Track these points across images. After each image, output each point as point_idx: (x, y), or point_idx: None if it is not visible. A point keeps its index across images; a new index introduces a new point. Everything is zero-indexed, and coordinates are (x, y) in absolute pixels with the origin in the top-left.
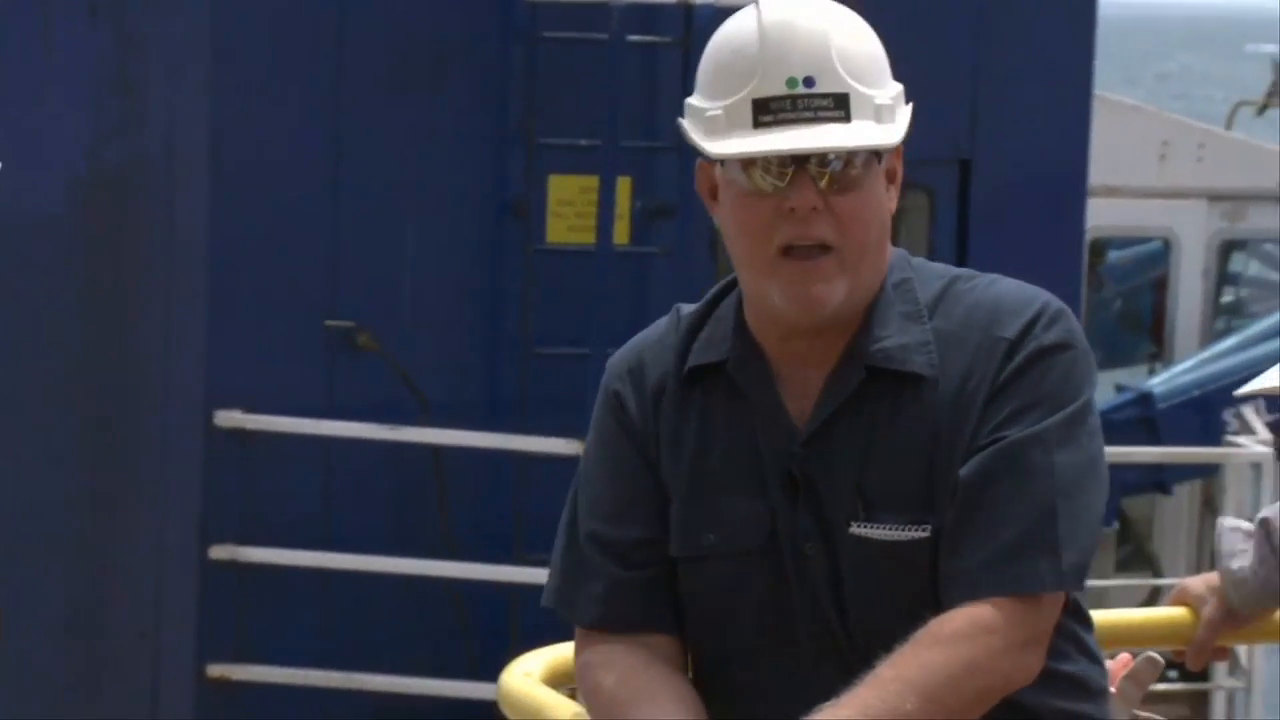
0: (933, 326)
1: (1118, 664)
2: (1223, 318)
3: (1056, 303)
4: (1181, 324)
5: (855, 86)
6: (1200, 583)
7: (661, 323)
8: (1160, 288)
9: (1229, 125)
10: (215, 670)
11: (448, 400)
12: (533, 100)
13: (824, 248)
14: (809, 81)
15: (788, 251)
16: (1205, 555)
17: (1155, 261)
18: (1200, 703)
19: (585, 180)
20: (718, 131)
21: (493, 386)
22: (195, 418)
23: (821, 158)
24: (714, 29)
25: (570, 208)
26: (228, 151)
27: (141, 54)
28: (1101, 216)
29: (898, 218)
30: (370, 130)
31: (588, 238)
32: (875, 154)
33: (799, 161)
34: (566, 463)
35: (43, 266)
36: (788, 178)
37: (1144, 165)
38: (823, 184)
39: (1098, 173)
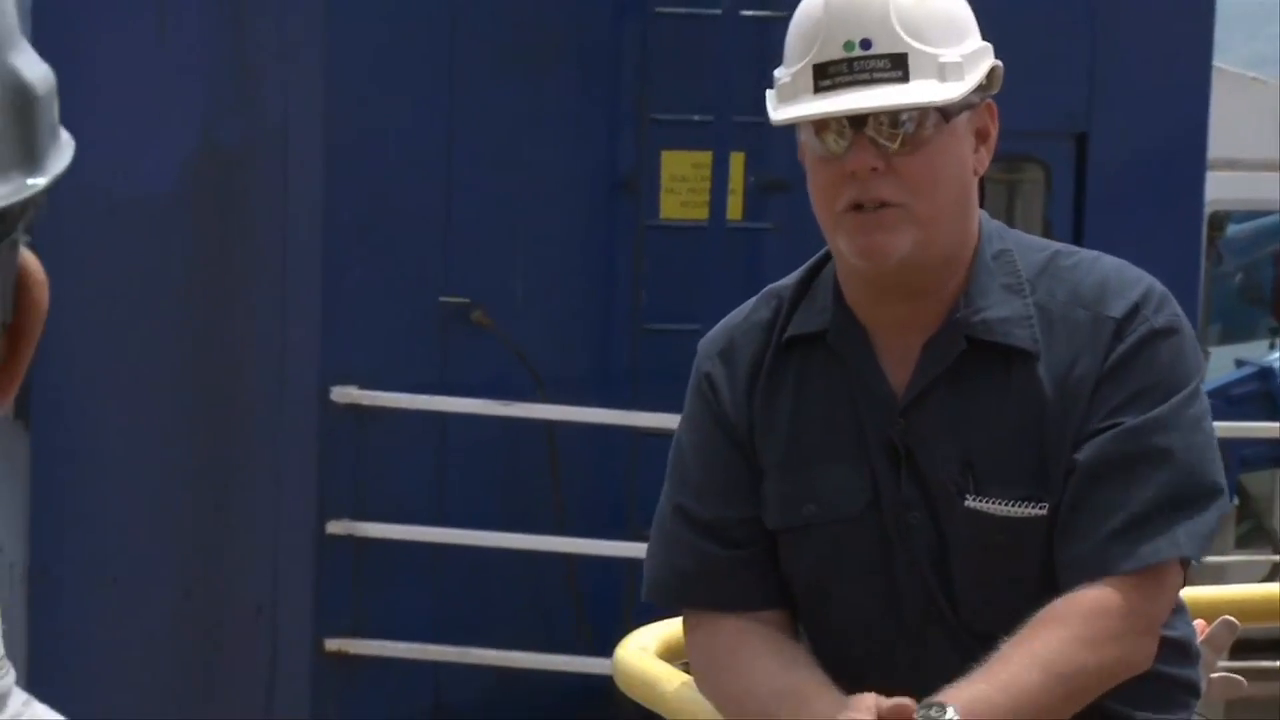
0: (1035, 301)
1: (1196, 629)
2: None
3: (1160, 285)
4: None
5: (915, 46)
6: None
7: (749, 304)
8: None
9: None
10: (332, 644)
11: (560, 376)
12: (645, 76)
13: (891, 204)
14: (866, 44)
15: (855, 207)
16: None
17: (1276, 235)
18: None
19: (698, 156)
20: (785, 98)
21: (605, 362)
22: (310, 394)
23: (886, 118)
24: None
25: (683, 183)
26: (341, 130)
27: (257, 34)
28: (1221, 190)
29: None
30: (482, 107)
31: (700, 213)
32: (943, 114)
33: (858, 123)
34: None
35: (159, 244)
36: (849, 139)
37: (1264, 137)
38: (894, 144)
39: (1217, 146)
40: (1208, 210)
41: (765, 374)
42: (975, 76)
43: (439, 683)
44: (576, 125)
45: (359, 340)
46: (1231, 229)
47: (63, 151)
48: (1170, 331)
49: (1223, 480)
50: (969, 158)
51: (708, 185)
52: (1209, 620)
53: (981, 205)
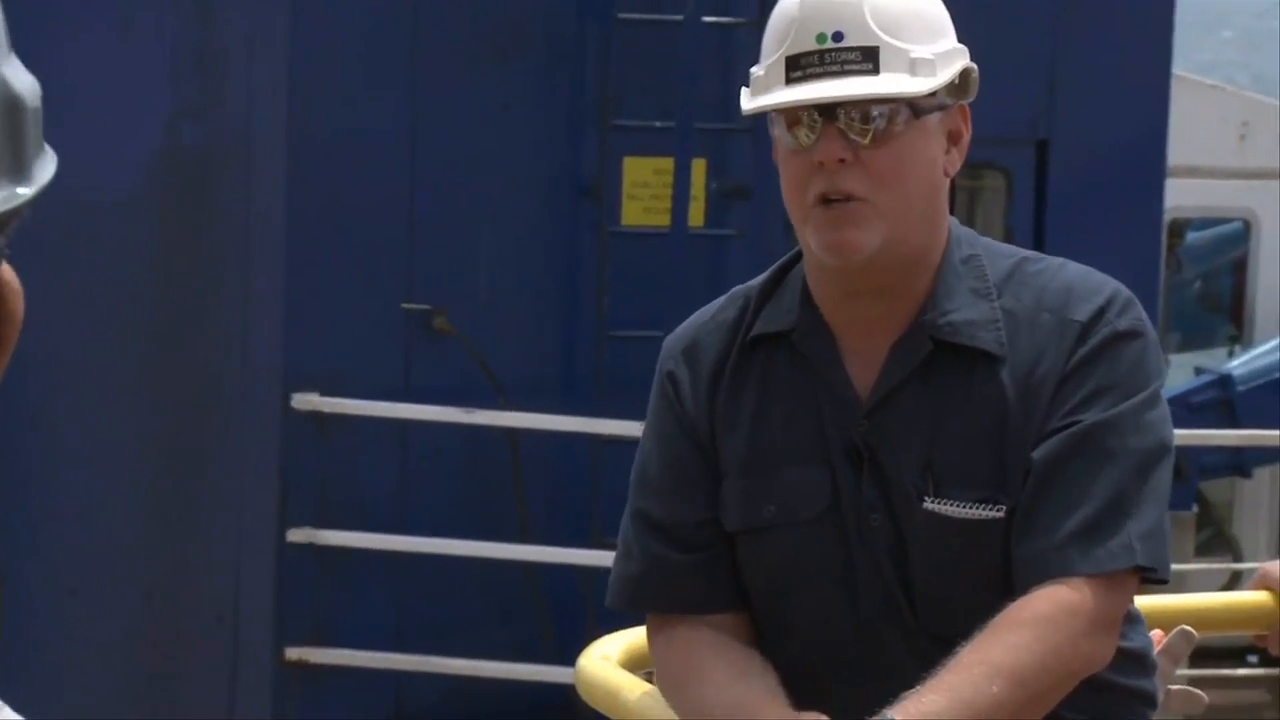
0: (1001, 305)
1: (1152, 639)
2: None
3: (1125, 290)
4: (1262, 306)
5: (887, 40)
6: None
7: (717, 302)
8: (1240, 269)
9: None
10: (293, 653)
11: (523, 383)
12: (607, 82)
13: (857, 198)
14: (838, 36)
15: (822, 202)
16: None
17: (1235, 242)
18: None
19: (660, 162)
20: (757, 90)
21: (568, 369)
22: (272, 400)
23: (857, 111)
24: None
25: (645, 190)
26: (305, 132)
27: (219, 33)
28: (1180, 197)
29: (972, 200)
30: (445, 113)
31: (663, 220)
32: (913, 109)
33: (828, 115)
34: None
35: (120, 246)
36: (818, 131)
37: (1224, 145)
38: (863, 138)
39: (1177, 153)
40: (1167, 217)
41: (729, 373)
42: (947, 74)
43: (401, 691)
44: (539, 131)
45: (321, 346)
46: (1191, 236)
47: (48, 162)
48: (1133, 335)
49: (1168, 484)
50: (939, 158)
51: (670, 192)
52: (1167, 630)
53: (951, 211)
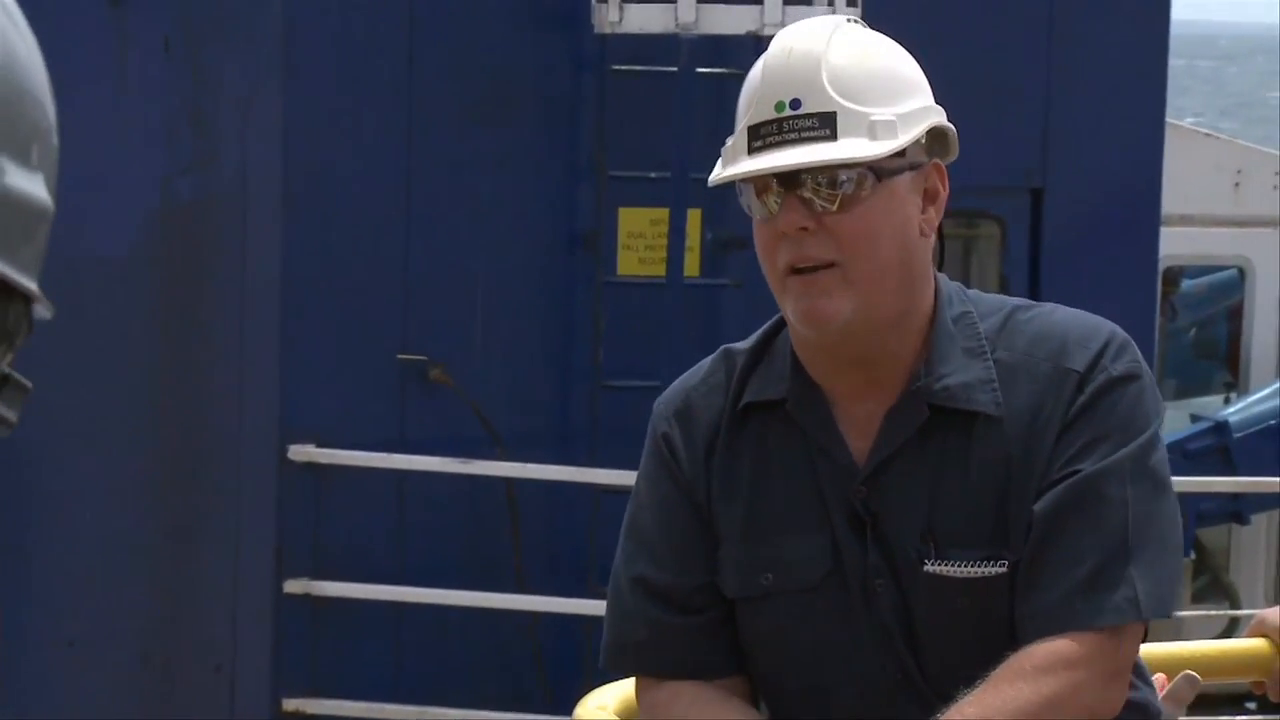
0: (996, 360)
1: (1155, 683)
2: None
3: (1120, 332)
4: (1257, 352)
5: (844, 104)
6: (1278, 613)
7: (705, 364)
8: (1235, 316)
9: None
10: (290, 704)
11: (519, 433)
12: (602, 132)
13: (828, 265)
14: (795, 103)
15: (794, 271)
16: None
17: (1230, 290)
18: None
19: (655, 212)
20: (726, 161)
21: (564, 419)
22: (269, 452)
23: (824, 177)
24: None
25: (640, 240)
26: (300, 186)
27: (214, 90)
28: (1175, 245)
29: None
30: (441, 164)
31: (658, 270)
32: (876, 173)
33: (790, 184)
34: None
35: (117, 301)
36: (781, 201)
37: (1218, 193)
38: (832, 205)
39: (1171, 201)
40: (1162, 265)
41: (723, 439)
42: (910, 135)
43: None
44: (535, 181)
45: (317, 398)
46: (1185, 284)
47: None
48: (1129, 379)
49: (1178, 530)
50: (913, 218)
51: (665, 242)
52: (1170, 675)
53: (940, 266)
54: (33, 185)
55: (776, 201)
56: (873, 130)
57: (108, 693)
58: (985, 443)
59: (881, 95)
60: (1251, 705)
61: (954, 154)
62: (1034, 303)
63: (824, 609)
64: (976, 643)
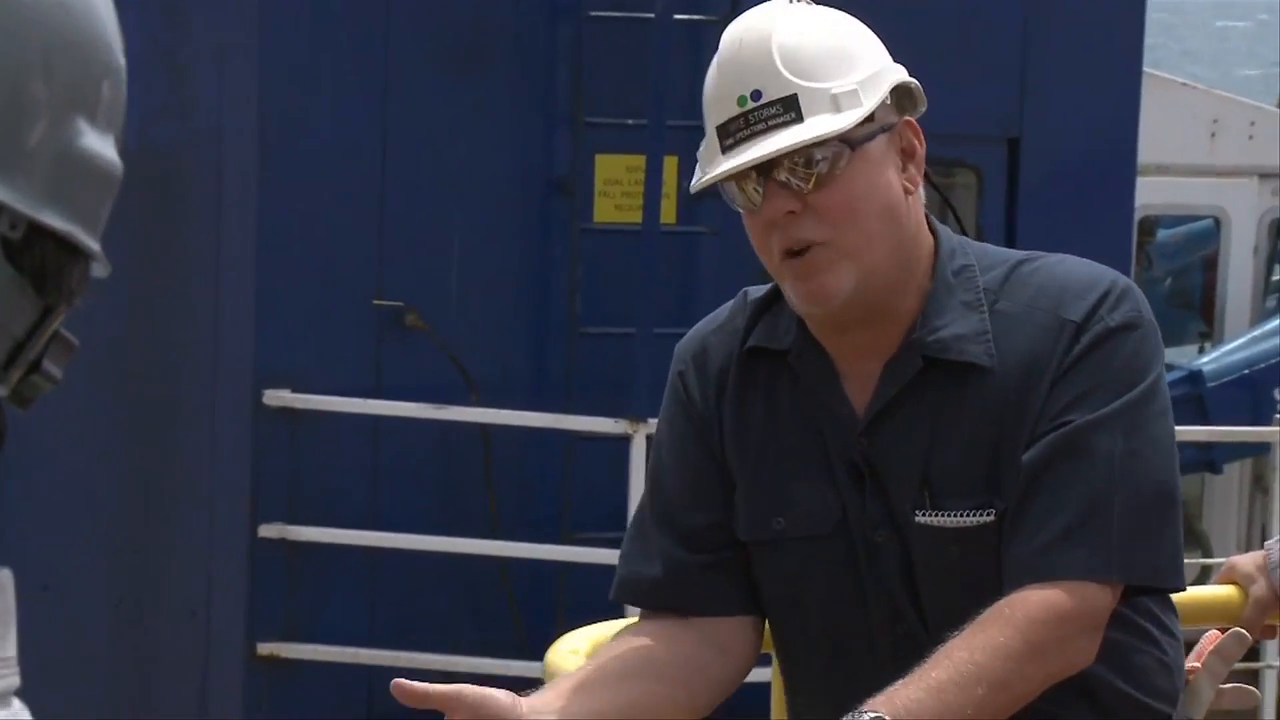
0: (996, 311)
1: (1206, 640)
2: (1273, 296)
3: (1123, 280)
4: (1232, 302)
5: (804, 84)
6: (1248, 561)
7: (727, 307)
8: (1210, 266)
9: None
10: (265, 648)
11: (494, 379)
12: (579, 80)
13: (820, 243)
14: (756, 95)
15: (790, 254)
16: (1255, 534)
17: (1205, 240)
18: (1250, 681)
19: (632, 159)
20: (702, 164)
21: (539, 366)
22: (244, 397)
23: (800, 159)
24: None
25: (617, 187)
26: (275, 132)
27: (190, 35)
28: (1151, 195)
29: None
30: (416, 110)
31: (634, 217)
32: (848, 143)
33: (767, 173)
34: (613, 442)
35: None
36: (761, 191)
37: (1194, 143)
38: (807, 184)
39: (1147, 151)
40: (1138, 215)
41: (734, 380)
42: (874, 100)
43: (373, 686)
44: (511, 128)
45: (292, 343)
46: (1161, 234)
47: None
48: (1128, 328)
49: (1174, 481)
50: (894, 179)
51: (641, 189)
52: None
53: (948, 219)
54: (105, 147)
55: (757, 191)
56: (836, 103)
57: (81, 637)
58: (979, 394)
59: (838, 67)
60: None
61: (923, 107)
62: (1039, 254)
63: (833, 558)
64: (974, 592)
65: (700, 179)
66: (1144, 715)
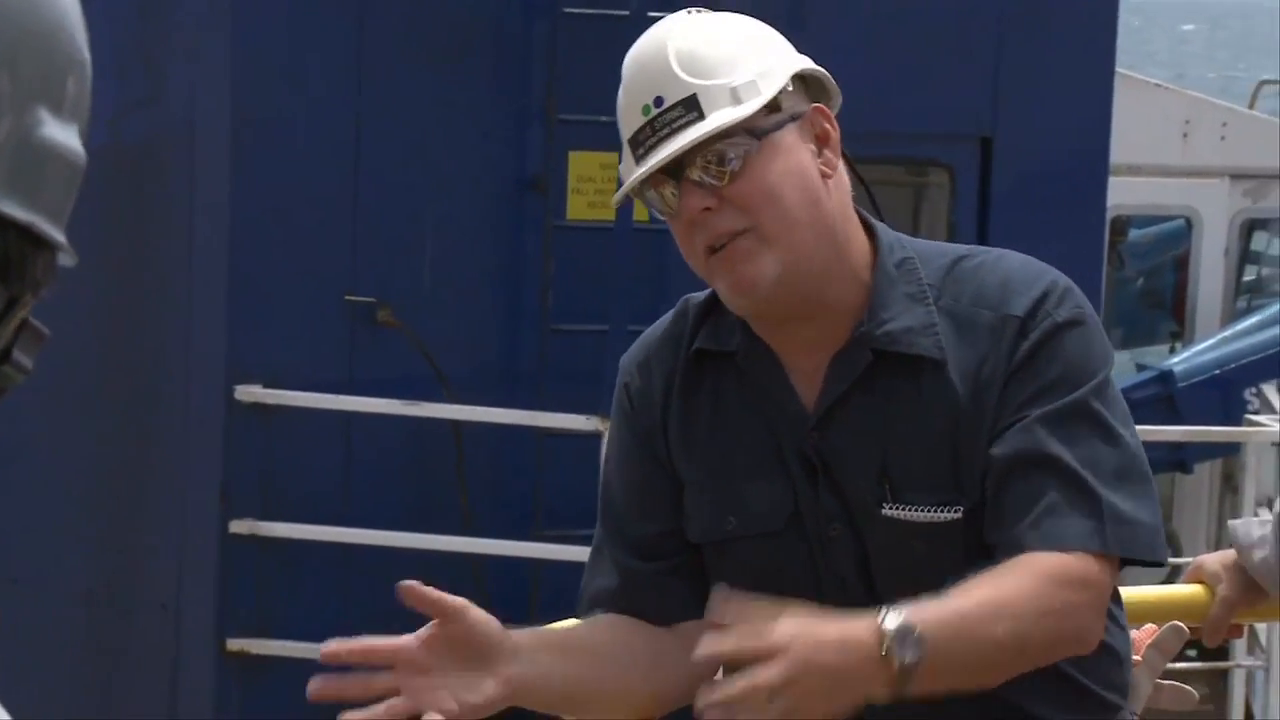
0: (940, 307)
1: (1143, 633)
2: (1244, 297)
3: (1063, 278)
4: (1203, 303)
5: (701, 83)
6: (1215, 560)
7: (668, 316)
8: (1182, 266)
9: (1251, 104)
10: (235, 644)
11: (467, 375)
12: (553, 76)
13: (741, 233)
14: (659, 101)
15: (713, 251)
16: (1225, 534)
17: (1177, 240)
18: (1219, 681)
19: (605, 156)
20: (624, 178)
21: (512, 362)
22: (216, 392)
23: (713, 157)
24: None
25: (590, 184)
26: (248, 126)
27: (162, 30)
28: (1123, 195)
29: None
30: (390, 106)
31: (607, 214)
32: (752, 133)
33: (676, 174)
34: (585, 439)
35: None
36: (677, 193)
37: (1166, 144)
38: (721, 181)
39: (1120, 151)
40: (1110, 215)
41: (679, 384)
42: (775, 86)
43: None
44: (485, 124)
45: (264, 338)
46: (1133, 234)
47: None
48: (1074, 324)
49: (1145, 470)
50: (808, 163)
51: (614, 186)
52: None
53: (878, 215)
54: (68, 137)
55: (674, 195)
56: (736, 95)
57: (51, 630)
58: (933, 388)
59: (735, 63)
60: (1191, 653)
61: (836, 96)
62: (978, 248)
63: (786, 554)
64: (929, 587)
65: (619, 194)
66: (1098, 707)
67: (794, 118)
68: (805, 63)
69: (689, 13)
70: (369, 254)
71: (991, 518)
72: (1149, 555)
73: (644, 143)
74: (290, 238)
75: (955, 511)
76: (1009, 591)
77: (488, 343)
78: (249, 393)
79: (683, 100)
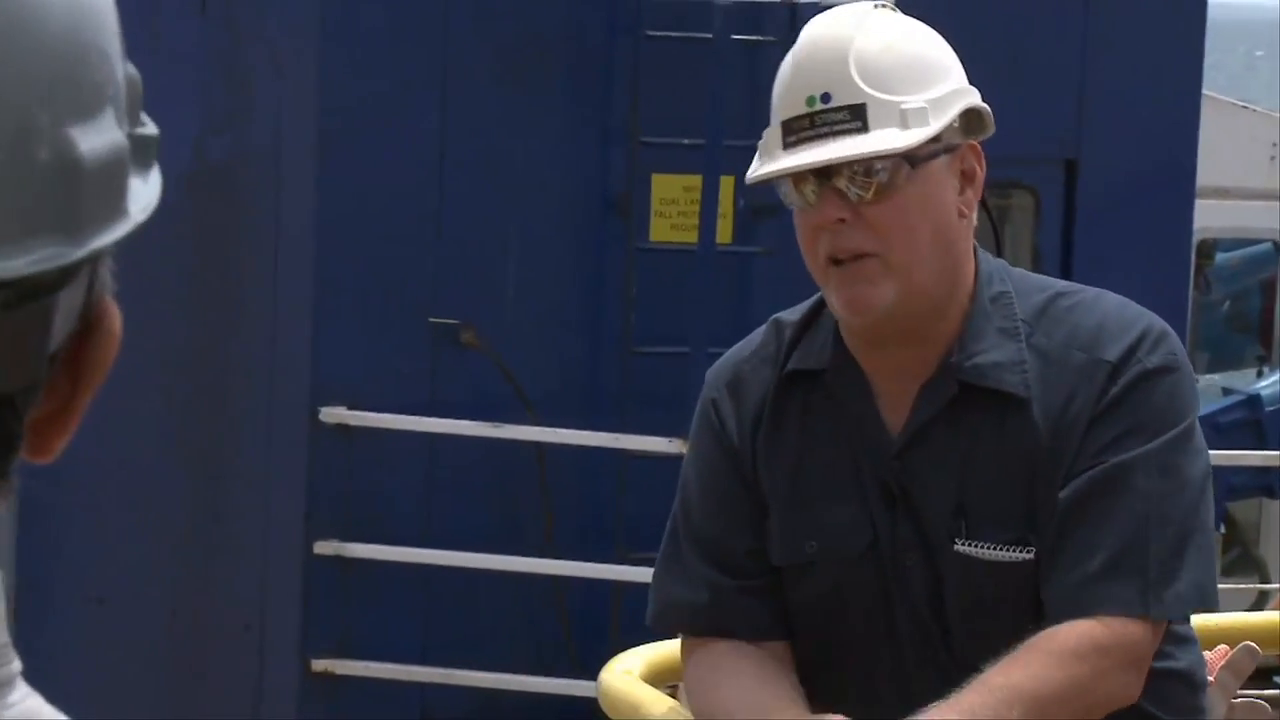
0: (1032, 344)
1: (1216, 655)
2: None
3: (1159, 324)
4: None
5: (874, 95)
6: None
7: (758, 334)
8: (1269, 290)
9: None
10: (319, 665)
11: (549, 397)
12: (636, 98)
13: (867, 255)
14: (826, 97)
15: (835, 261)
16: None
17: (1264, 264)
18: None
19: (688, 179)
20: (762, 155)
21: (594, 384)
22: (300, 413)
23: (860, 167)
24: None
25: (673, 206)
26: (334, 146)
27: (250, 48)
28: (1210, 218)
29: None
30: (474, 127)
31: (690, 237)
32: (910, 161)
33: (825, 177)
34: (667, 461)
35: (149, 260)
36: (817, 194)
37: (1254, 166)
38: (866, 192)
39: (1206, 174)
40: (1196, 238)
41: (770, 407)
42: (942, 121)
43: (425, 703)
44: (568, 146)
45: (349, 360)
46: (1219, 257)
47: (118, 224)
48: (1165, 371)
49: (1209, 521)
50: (950, 201)
51: (697, 209)
52: (1231, 646)
53: (998, 250)
54: (101, 133)
55: (813, 192)
56: (904, 119)
57: (136, 650)
58: (1016, 426)
59: (912, 82)
60: (1279, 679)
61: (989, 131)
62: (1078, 287)
63: (862, 581)
64: (1002, 625)
65: (757, 171)
66: None
67: (948, 149)
68: (974, 96)
69: (878, 6)
70: (452, 276)
71: (1047, 563)
72: (1193, 610)
73: (799, 132)
74: (374, 259)
75: (1027, 552)
76: (1021, 677)
77: (570, 364)
78: (333, 414)
79: (850, 106)
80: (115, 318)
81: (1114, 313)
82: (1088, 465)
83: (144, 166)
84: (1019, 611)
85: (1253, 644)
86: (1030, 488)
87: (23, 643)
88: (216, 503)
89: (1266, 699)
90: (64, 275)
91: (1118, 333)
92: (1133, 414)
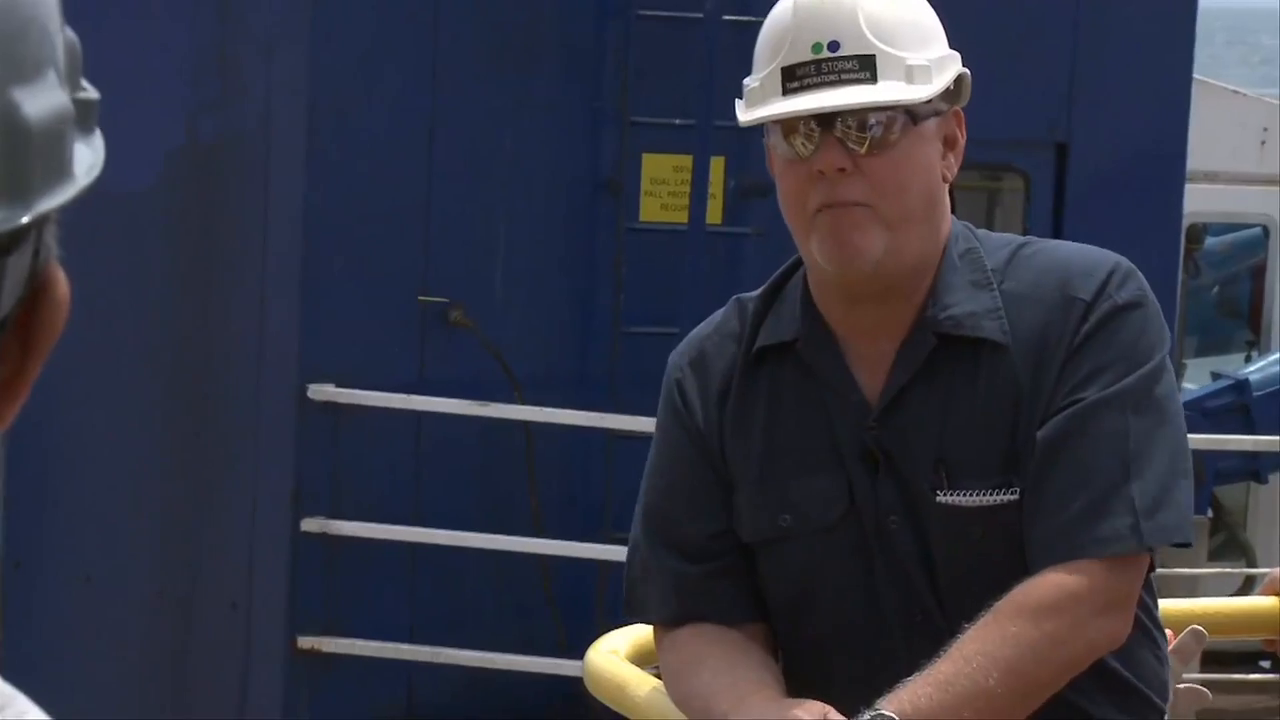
0: (1004, 290)
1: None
2: None
3: (1125, 262)
4: (1279, 311)
5: (883, 48)
6: None
7: (718, 314)
8: (1258, 275)
9: None
10: (305, 642)
11: (538, 377)
12: (626, 78)
13: (860, 205)
14: (834, 46)
15: (826, 206)
16: None
17: (1254, 248)
18: None
19: (679, 159)
20: (753, 102)
21: (583, 364)
22: (288, 391)
23: (854, 120)
24: None
25: (663, 186)
26: (323, 127)
27: (240, 30)
28: (1200, 202)
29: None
30: (464, 107)
31: (680, 217)
32: (911, 116)
33: (826, 125)
34: None
35: (138, 239)
36: (816, 141)
37: (1244, 151)
38: (861, 146)
39: (1196, 158)
40: (1186, 222)
41: (736, 385)
42: (943, 81)
43: (412, 682)
44: (558, 126)
45: (337, 338)
46: (1209, 241)
47: (64, 186)
48: (1134, 305)
49: (1186, 456)
50: (937, 163)
51: (688, 189)
52: (1179, 632)
53: (953, 213)
54: (44, 96)
55: (806, 144)
56: (910, 74)
57: (123, 628)
58: (993, 371)
59: (914, 40)
60: (1264, 664)
61: (966, 100)
62: (1040, 239)
63: (842, 549)
64: (994, 575)
65: (755, 114)
66: (1148, 707)
67: (938, 113)
68: (960, 63)
69: None
70: (441, 255)
71: (1029, 507)
72: (1182, 538)
73: (803, 78)
74: (363, 238)
75: (1012, 493)
76: (996, 642)
77: (559, 344)
78: (321, 392)
79: (860, 56)
80: (62, 283)
81: (1079, 254)
82: (1064, 403)
83: (87, 130)
84: (1008, 556)
85: (1199, 628)
86: (1012, 429)
87: (11, 621)
88: (204, 480)
89: (1252, 684)
90: (11, 240)
91: (1087, 271)
92: (1105, 350)
